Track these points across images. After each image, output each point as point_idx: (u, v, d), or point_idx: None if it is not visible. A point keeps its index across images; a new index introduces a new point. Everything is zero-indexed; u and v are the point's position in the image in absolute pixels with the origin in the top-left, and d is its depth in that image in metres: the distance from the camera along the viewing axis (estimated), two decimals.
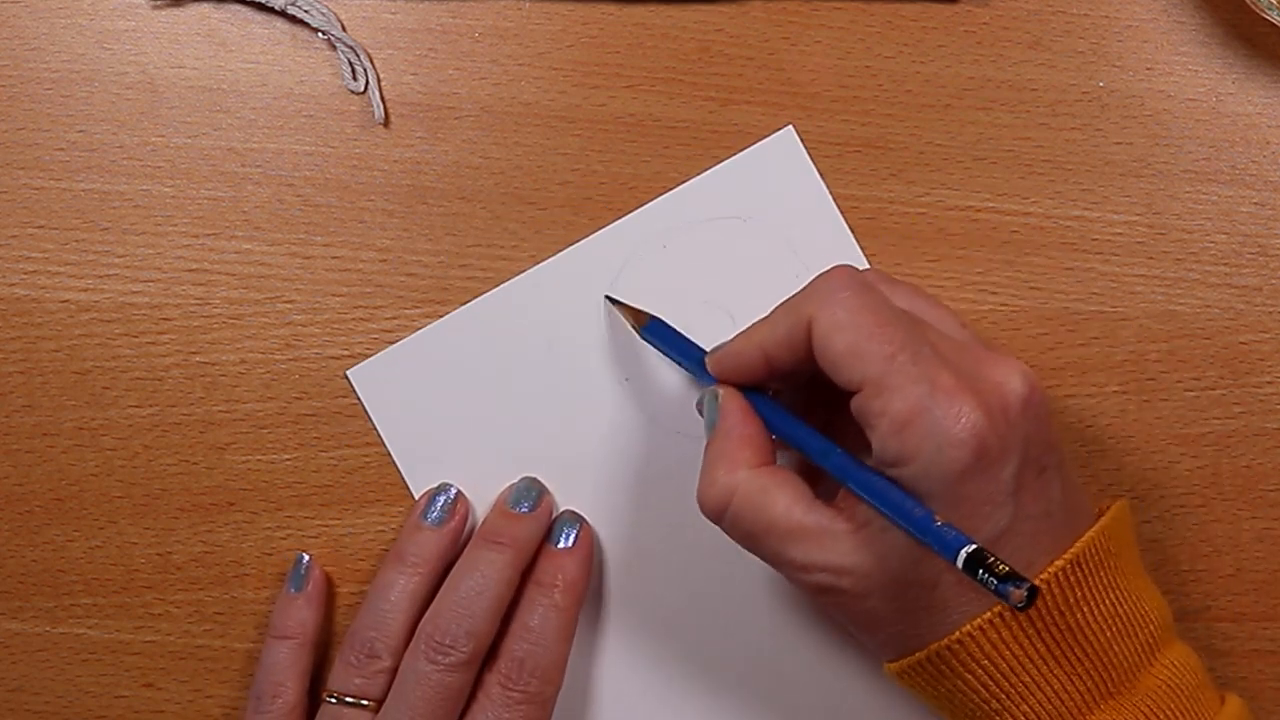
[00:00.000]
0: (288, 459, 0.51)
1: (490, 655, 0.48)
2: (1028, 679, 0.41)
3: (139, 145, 0.50)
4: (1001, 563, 0.36)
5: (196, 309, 0.50)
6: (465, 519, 0.50)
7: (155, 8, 0.51)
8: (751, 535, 0.43)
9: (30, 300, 0.50)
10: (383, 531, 0.51)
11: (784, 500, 0.42)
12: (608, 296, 0.50)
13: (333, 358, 0.50)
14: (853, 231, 0.51)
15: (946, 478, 0.39)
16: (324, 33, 0.50)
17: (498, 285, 0.50)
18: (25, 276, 0.50)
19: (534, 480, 0.50)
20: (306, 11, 0.50)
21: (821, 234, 0.50)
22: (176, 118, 0.50)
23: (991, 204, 0.51)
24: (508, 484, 0.50)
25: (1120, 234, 0.51)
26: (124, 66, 0.50)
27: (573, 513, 0.50)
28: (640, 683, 0.51)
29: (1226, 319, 0.51)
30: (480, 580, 0.47)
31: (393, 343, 0.50)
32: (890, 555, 0.41)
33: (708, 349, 0.46)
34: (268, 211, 0.50)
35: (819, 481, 0.44)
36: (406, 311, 0.50)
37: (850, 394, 0.41)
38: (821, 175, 0.51)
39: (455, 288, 0.51)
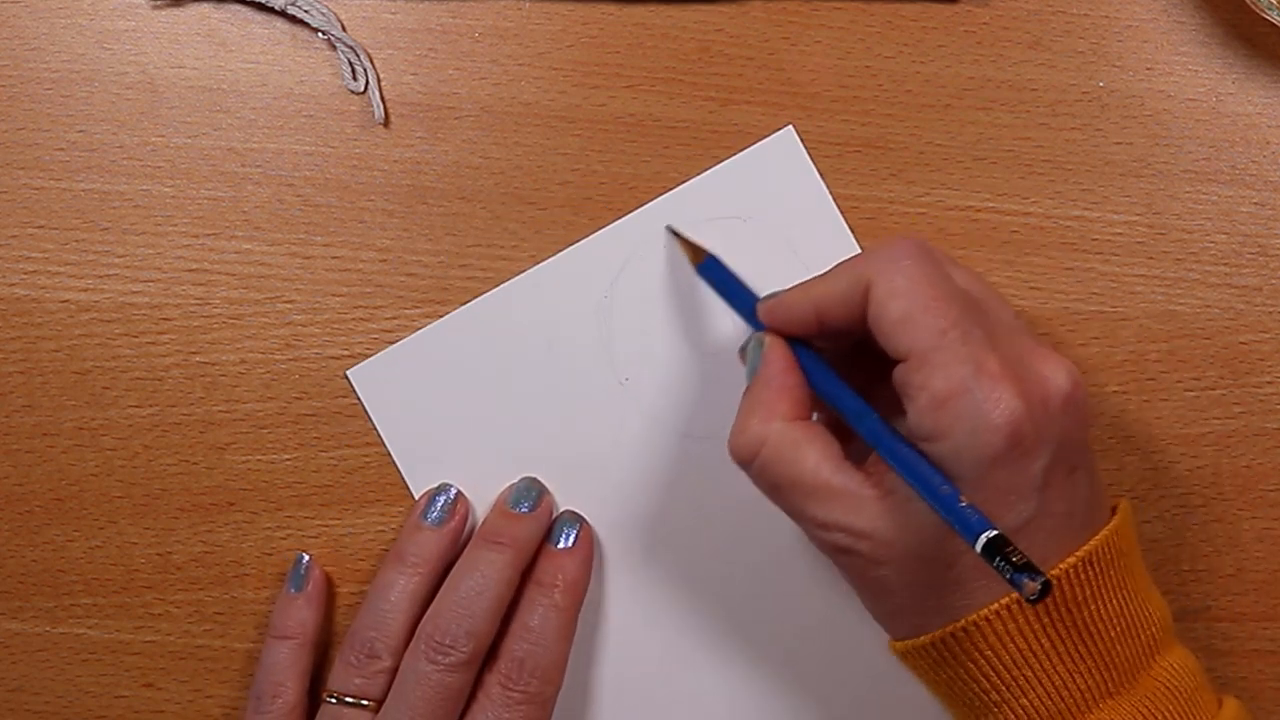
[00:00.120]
0: (288, 459, 0.51)
1: (490, 655, 0.48)
2: (1030, 673, 0.41)
3: (139, 145, 0.50)
4: (1019, 553, 0.36)
5: (196, 309, 0.50)
6: (465, 519, 0.50)
7: (155, 8, 0.51)
8: (776, 486, 0.42)
9: (30, 300, 0.50)
10: (383, 531, 0.51)
11: (814, 456, 0.42)
12: (668, 227, 0.50)
13: (333, 358, 0.50)
14: (853, 231, 0.51)
15: (978, 461, 0.39)
16: (324, 33, 0.50)
17: (498, 285, 0.50)
18: (25, 276, 0.50)
19: (534, 480, 0.50)
20: (306, 11, 0.50)
21: (821, 234, 0.50)
22: (176, 118, 0.50)
23: (991, 204, 0.51)
24: (508, 484, 0.50)
25: (1120, 234, 0.51)
26: (124, 66, 0.50)
27: (573, 513, 0.50)
28: (640, 683, 0.51)
29: (1226, 319, 0.51)
30: (480, 580, 0.47)
31: (393, 343, 0.50)
32: (911, 527, 0.40)
33: (760, 295, 0.46)
34: (268, 211, 0.50)
35: (849, 442, 0.43)
36: (406, 311, 0.50)
37: (893, 364, 0.41)
38: (821, 175, 0.51)
39: (455, 288, 0.51)
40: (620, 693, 0.51)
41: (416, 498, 0.50)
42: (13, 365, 0.50)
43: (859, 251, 0.51)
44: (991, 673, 0.41)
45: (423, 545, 0.49)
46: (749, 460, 0.43)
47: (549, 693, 0.48)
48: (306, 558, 0.50)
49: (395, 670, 0.47)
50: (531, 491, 0.50)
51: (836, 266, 0.43)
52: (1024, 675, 0.41)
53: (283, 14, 0.50)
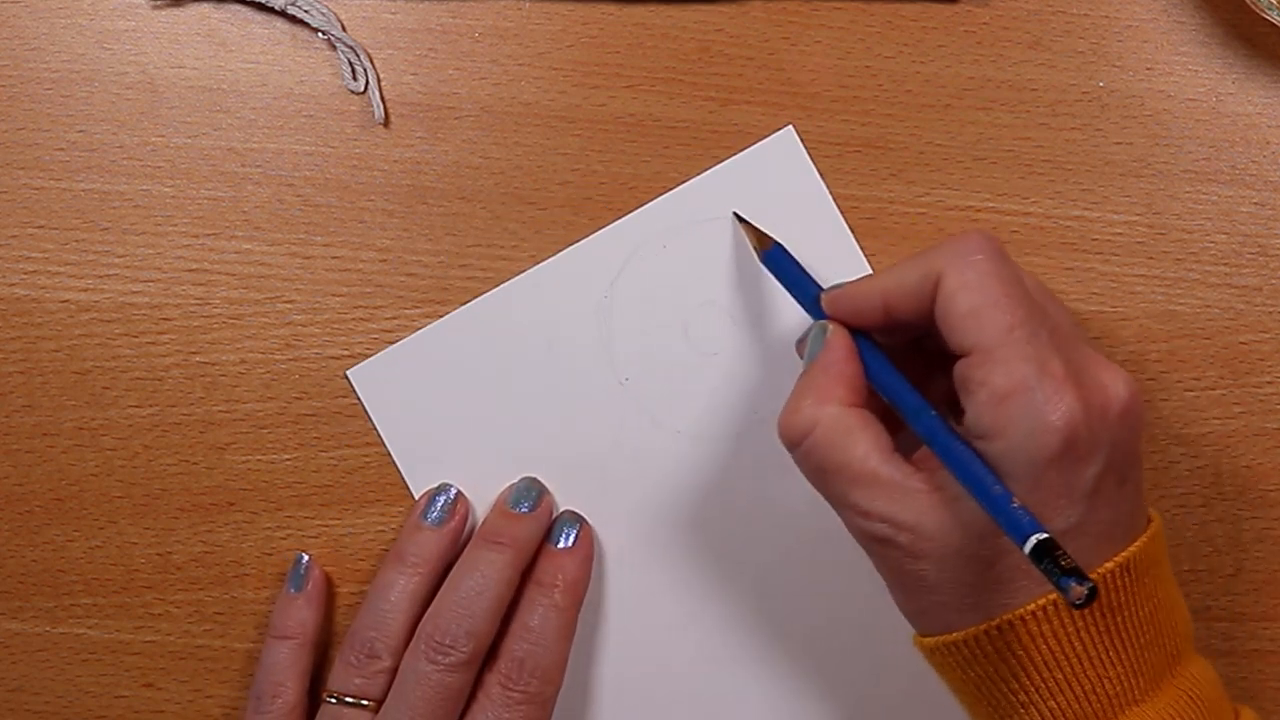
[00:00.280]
0: (288, 459, 0.51)
1: (490, 655, 0.48)
2: (1060, 675, 0.41)
3: (139, 145, 0.50)
4: (1068, 557, 0.36)
5: (196, 309, 0.50)
6: (465, 519, 0.50)
7: (155, 8, 0.51)
8: (822, 470, 0.42)
9: (30, 300, 0.50)
10: (383, 531, 0.51)
11: (864, 445, 0.41)
12: (735, 214, 0.50)
13: (333, 358, 0.50)
14: (853, 231, 0.51)
15: (1032, 461, 0.39)
16: (324, 33, 0.50)
17: (498, 285, 0.50)
18: (25, 276, 0.50)
19: (534, 480, 0.50)
20: (306, 11, 0.50)
21: (821, 234, 0.50)
22: (176, 118, 0.50)
23: (991, 204, 0.51)
24: (508, 484, 0.50)
25: (1120, 234, 0.51)
26: (124, 66, 0.50)
27: (573, 513, 0.50)
28: (640, 683, 0.51)
29: (1226, 319, 0.51)
30: (480, 580, 0.47)
31: (393, 343, 0.50)
32: (956, 524, 0.40)
33: (825, 286, 0.46)
34: (268, 211, 0.50)
35: (897, 432, 0.43)
36: (406, 311, 0.50)
37: (947, 363, 0.41)
38: (821, 175, 0.51)
39: (455, 288, 0.51)
40: (620, 693, 0.51)
41: (416, 498, 0.50)
42: (13, 365, 0.50)
43: (859, 251, 0.51)
44: (1022, 673, 0.41)
45: (423, 545, 0.49)
46: (798, 441, 0.42)
47: (549, 693, 0.48)
48: (306, 558, 0.50)
49: (395, 670, 0.47)
50: (531, 491, 0.50)
51: (905, 260, 0.43)
52: (1054, 677, 0.41)
53: (283, 14, 0.50)
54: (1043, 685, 0.41)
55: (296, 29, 0.51)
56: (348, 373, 0.50)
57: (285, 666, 0.49)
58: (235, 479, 0.51)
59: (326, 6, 0.50)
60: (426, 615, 0.47)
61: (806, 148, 0.51)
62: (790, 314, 0.50)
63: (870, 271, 0.51)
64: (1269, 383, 0.51)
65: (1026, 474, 0.39)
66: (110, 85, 0.50)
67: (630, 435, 0.50)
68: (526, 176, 0.51)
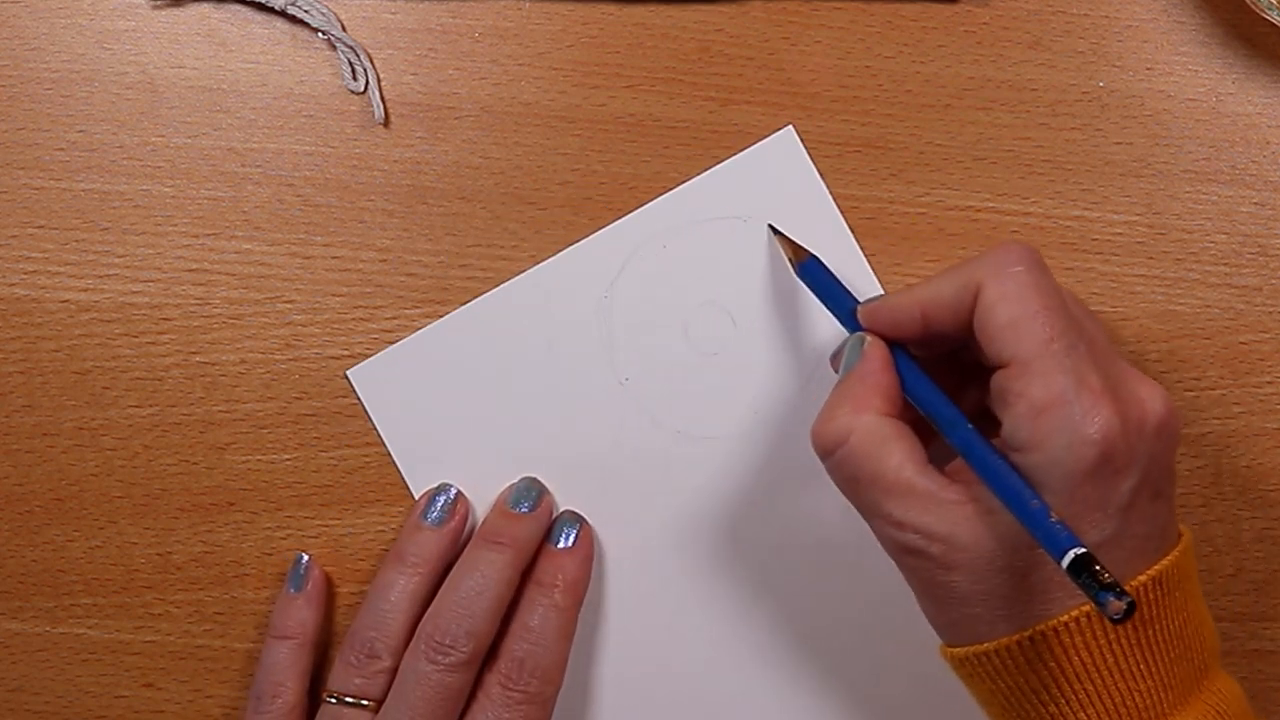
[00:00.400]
0: (288, 459, 0.51)
1: (490, 655, 0.48)
2: (1091, 687, 0.41)
3: (139, 145, 0.50)
4: (1106, 571, 0.36)
5: (196, 309, 0.50)
6: (465, 519, 0.50)
7: (155, 8, 0.51)
8: (855, 480, 0.42)
9: (30, 300, 0.50)
10: (383, 531, 0.51)
11: (899, 455, 0.41)
12: (770, 225, 0.50)
13: (333, 358, 0.50)
14: (853, 231, 0.51)
15: (1069, 474, 0.39)
16: (324, 33, 0.50)
17: (498, 285, 0.50)
18: (25, 276, 0.50)
19: (534, 480, 0.50)
20: (306, 11, 0.50)
21: (821, 234, 0.50)
22: (176, 118, 0.50)
23: (991, 204, 0.51)
24: (508, 484, 0.50)
25: (1120, 234, 0.51)
26: (124, 66, 0.50)
27: (573, 513, 0.50)
28: (640, 683, 0.51)
29: (1226, 319, 0.51)
30: (480, 580, 0.47)
31: (393, 343, 0.50)
32: (990, 537, 0.40)
33: (860, 299, 0.46)
34: (268, 211, 0.50)
35: (930, 443, 0.43)
36: (406, 311, 0.50)
37: (983, 376, 0.41)
38: (821, 175, 0.51)
39: (455, 288, 0.51)
40: (620, 693, 0.51)
41: (416, 498, 0.50)
42: (13, 365, 0.50)
43: (859, 251, 0.51)
44: (1053, 684, 0.41)
45: (423, 545, 0.49)
46: (831, 450, 0.42)
47: (549, 692, 0.48)
48: (306, 558, 0.50)
49: (395, 670, 0.47)
50: (531, 491, 0.50)
51: (943, 272, 0.43)
52: (1085, 689, 0.41)
53: (283, 14, 0.50)
54: (1074, 697, 0.41)
55: (296, 29, 0.51)
56: (348, 373, 0.50)
57: (285, 666, 0.49)
58: (235, 479, 0.51)
59: (326, 6, 0.50)
60: (426, 615, 0.47)
61: (806, 148, 0.51)
62: (790, 314, 0.50)
63: (870, 272, 0.51)
64: (1269, 383, 0.51)
65: (1062, 487, 0.39)
66: (110, 85, 0.50)
67: (630, 435, 0.50)
68: (526, 176, 0.51)
